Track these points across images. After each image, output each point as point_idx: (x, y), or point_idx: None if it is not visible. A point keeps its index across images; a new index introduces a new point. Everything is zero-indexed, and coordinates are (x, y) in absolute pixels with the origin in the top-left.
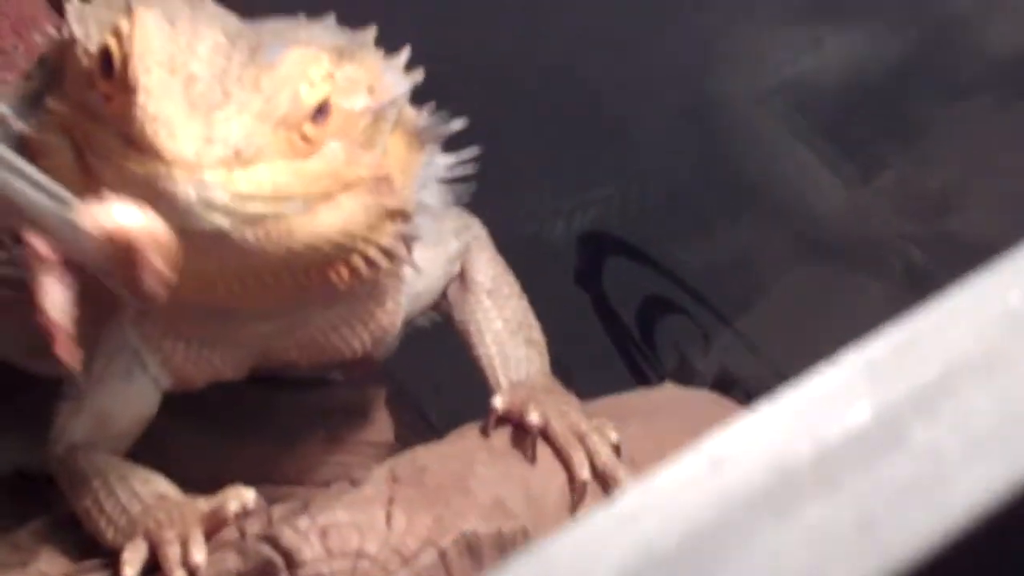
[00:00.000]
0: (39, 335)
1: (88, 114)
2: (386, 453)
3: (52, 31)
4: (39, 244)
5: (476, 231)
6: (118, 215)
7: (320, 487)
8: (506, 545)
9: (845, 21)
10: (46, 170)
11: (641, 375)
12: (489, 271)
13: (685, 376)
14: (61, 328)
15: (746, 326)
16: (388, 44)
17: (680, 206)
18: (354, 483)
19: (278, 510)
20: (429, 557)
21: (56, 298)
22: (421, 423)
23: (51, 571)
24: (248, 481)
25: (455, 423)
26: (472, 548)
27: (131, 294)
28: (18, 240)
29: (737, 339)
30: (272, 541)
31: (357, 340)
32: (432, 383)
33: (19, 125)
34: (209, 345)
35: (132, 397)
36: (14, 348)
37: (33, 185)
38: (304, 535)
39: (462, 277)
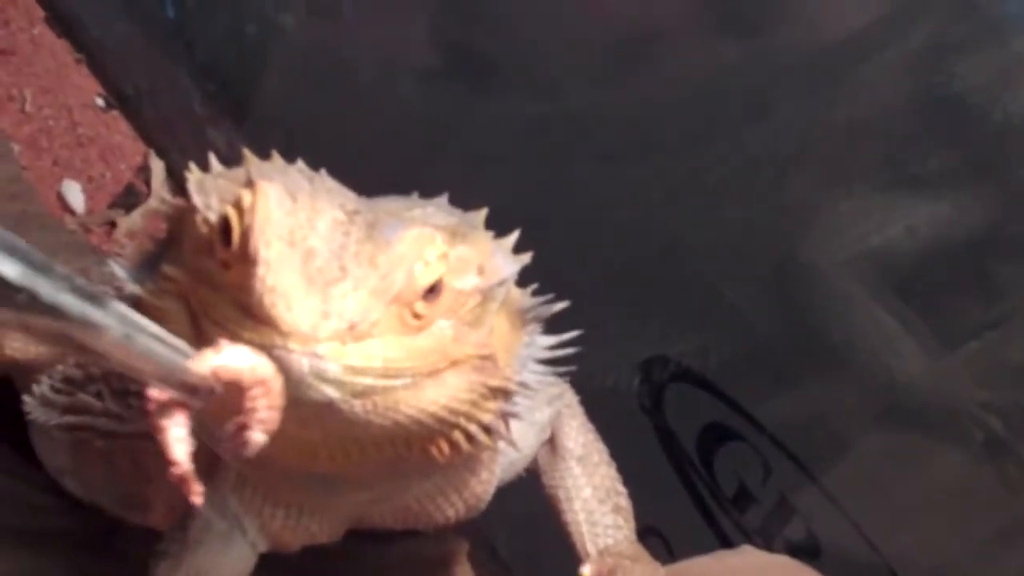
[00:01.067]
0: (130, 486)
1: (205, 281)
2: None
3: (169, 197)
4: (160, 393)
5: (568, 398)
6: (228, 356)
7: None
8: None
9: (930, 189)
10: None
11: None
12: (580, 438)
13: (750, 519)
14: (191, 478)
15: (829, 486)
16: (471, 202)
17: (762, 363)
18: None
19: None
20: None
21: (181, 445)
22: (502, 574)
23: None
24: None
25: (534, 572)
26: None
27: (236, 445)
28: (117, 394)
29: (820, 499)
30: None
31: (451, 509)
32: (511, 530)
33: (134, 288)
34: (307, 512)
35: (229, 560)
36: (108, 497)
37: (150, 337)
38: None
39: (552, 443)
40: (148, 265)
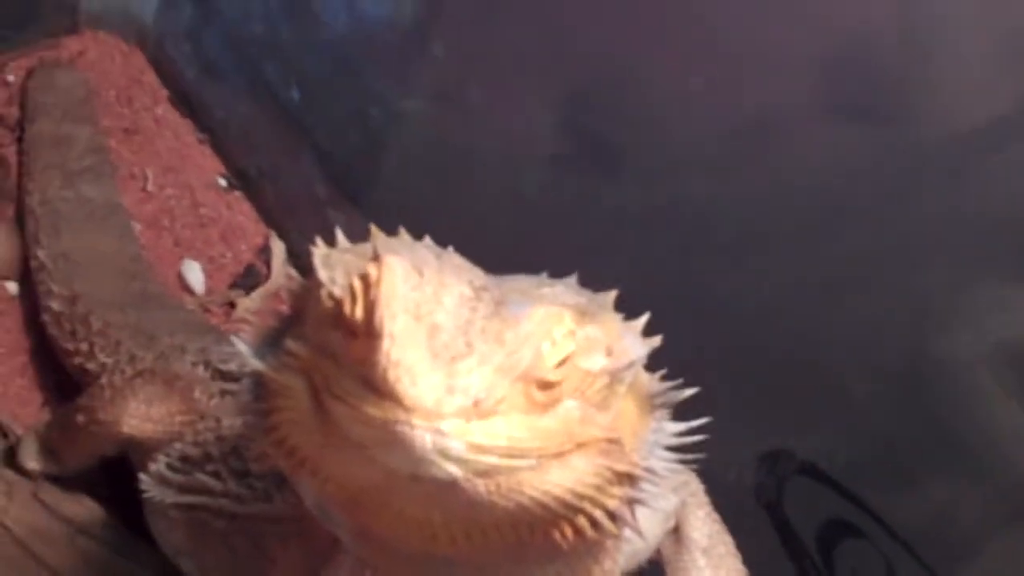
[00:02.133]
0: (250, 568)
1: (328, 356)
2: None
3: (295, 275)
4: None
5: (693, 487)
6: None
7: None
8: None
9: None
10: (284, 410)
11: None
12: (705, 529)
13: None
14: None
15: None
16: (594, 289)
17: (889, 461)
18: None
19: None
20: None
21: None
22: None
23: None
24: None
25: None
26: None
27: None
28: (237, 474)
29: None
30: None
31: None
32: None
33: (256, 364)
34: None
35: None
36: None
37: None
38: None
39: (677, 532)
40: (271, 342)
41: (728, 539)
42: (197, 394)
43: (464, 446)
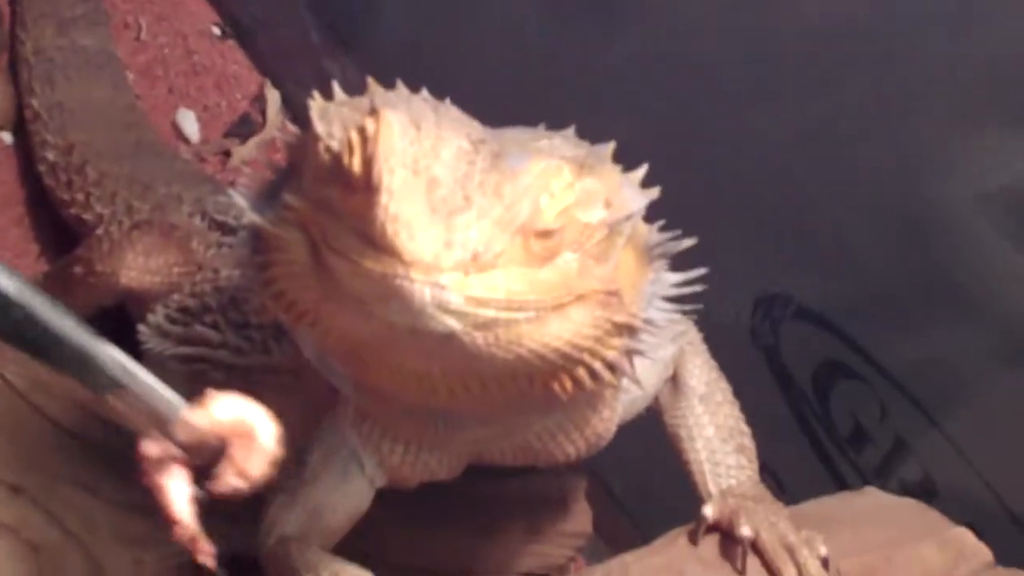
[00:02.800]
0: None
1: (326, 210)
2: (585, 544)
3: (291, 127)
4: (155, 448)
5: (691, 336)
6: (220, 409)
7: None
8: None
9: None
10: (282, 264)
11: (820, 448)
12: (703, 376)
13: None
14: (199, 536)
15: (949, 428)
16: (596, 138)
17: (885, 304)
18: None
19: None
20: None
21: (183, 502)
22: (618, 513)
23: None
24: (446, 571)
25: (649, 510)
26: None
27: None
28: (235, 326)
29: (940, 441)
30: None
31: (572, 447)
32: (625, 470)
33: (254, 217)
34: (427, 448)
35: (347, 495)
36: None
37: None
38: None
39: (674, 380)
40: (268, 195)
41: (725, 386)
42: (195, 245)
43: (462, 299)
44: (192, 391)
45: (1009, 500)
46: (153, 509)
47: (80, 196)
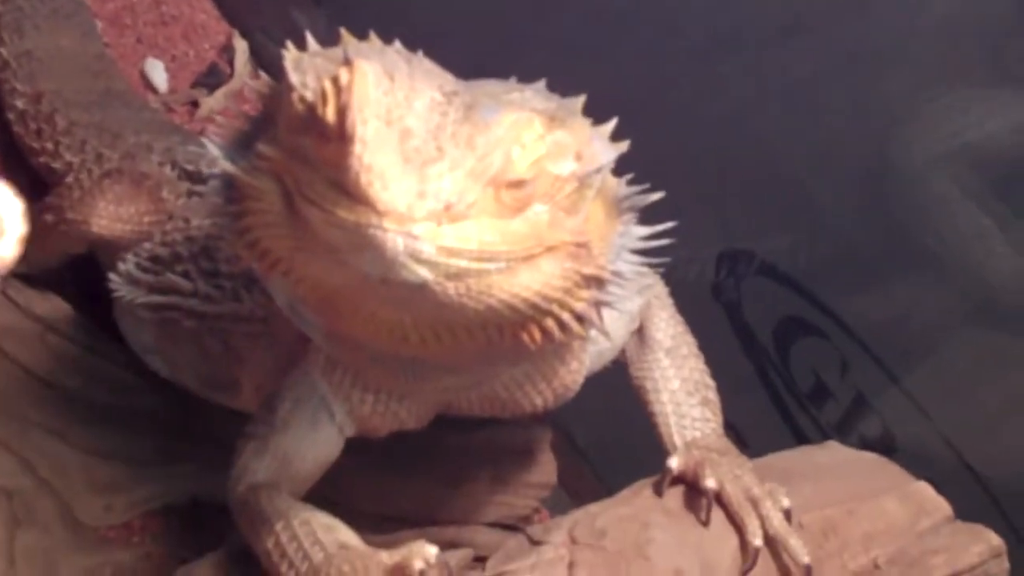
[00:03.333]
0: (218, 367)
1: (300, 159)
2: (549, 494)
3: (265, 77)
4: None
5: (657, 289)
6: None
7: (485, 528)
8: None
9: None
10: (256, 213)
11: (781, 403)
12: (669, 330)
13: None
14: None
15: (910, 385)
16: (563, 92)
17: (851, 261)
18: (532, 540)
19: (457, 557)
20: None
21: None
22: (580, 464)
23: None
24: (414, 519)
25: (611, 462)
26: None
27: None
28: (207, 274)
29: (900, 397)
30: None
31: (540, 397)
32: (587, 421)
33: (227, 166)
34: (396, 398)
35: (317, 443)
36: (194, 377)
37: None
38: None
39: (641, 333)
40: (241, 144)
41: (691, 340)
42: (165, 194)
43: (435, 249)
44: (163, 338)
45: (968, 456)
46: (124, 455)
47: (49, 144)
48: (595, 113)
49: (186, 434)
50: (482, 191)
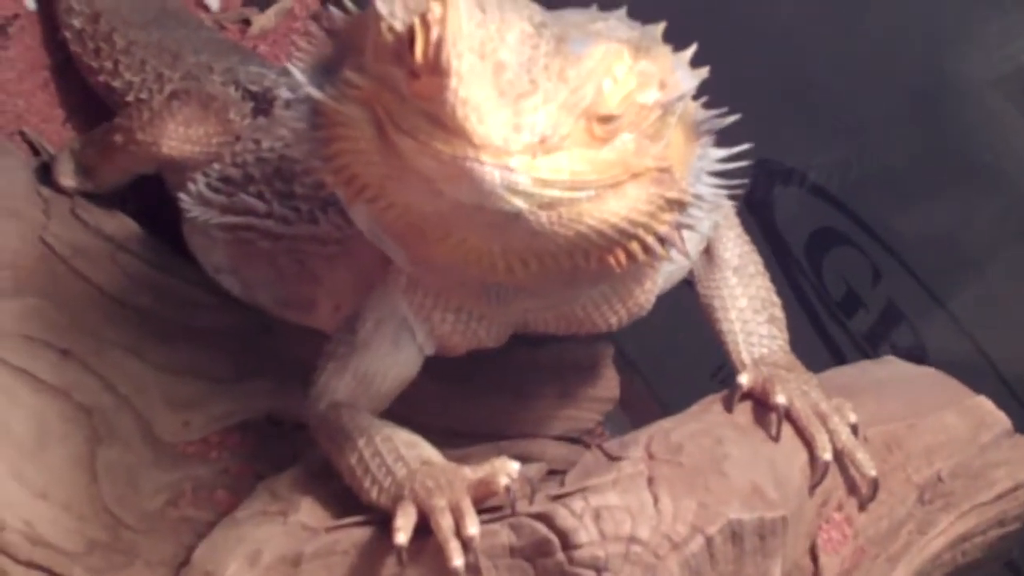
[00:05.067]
0: (294, 286)
1: (390, 89)
2: (613, 409)
3: (349, 4)
4: None
5: (725, 209)
6: None
7: (554, 442)
8: (766, 533)
9: None
10: (345, 139)
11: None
12: (736, 249)
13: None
14: None
15: (955, 304)
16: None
17: (902, 179)
18: (609, 456)
19: (534, 471)
20: (697, 544)
21: None
22: (632, 378)
23: (311, 522)
24: (483, 434)
25: (660, 375)
26: (736, 535)
27: None
28: (282, 196)
29: (944, 315)
30: (547, 520)
31: (615, 316)
32: (641, 338)
33: (316, 93)
34: (476, 318)
35: (397, 362)
36: (268, 296)
37: None
38: (579, 517)
39: (708, 253)
40: (325, 69)
41: (757, 258)
42: (232, 115)
43: (530, 181)
44: (237, 258)
45: (1003, 368)
46: (199, 373)
47: (108, 64)
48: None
49: (260, 352)
50: (574, 123)
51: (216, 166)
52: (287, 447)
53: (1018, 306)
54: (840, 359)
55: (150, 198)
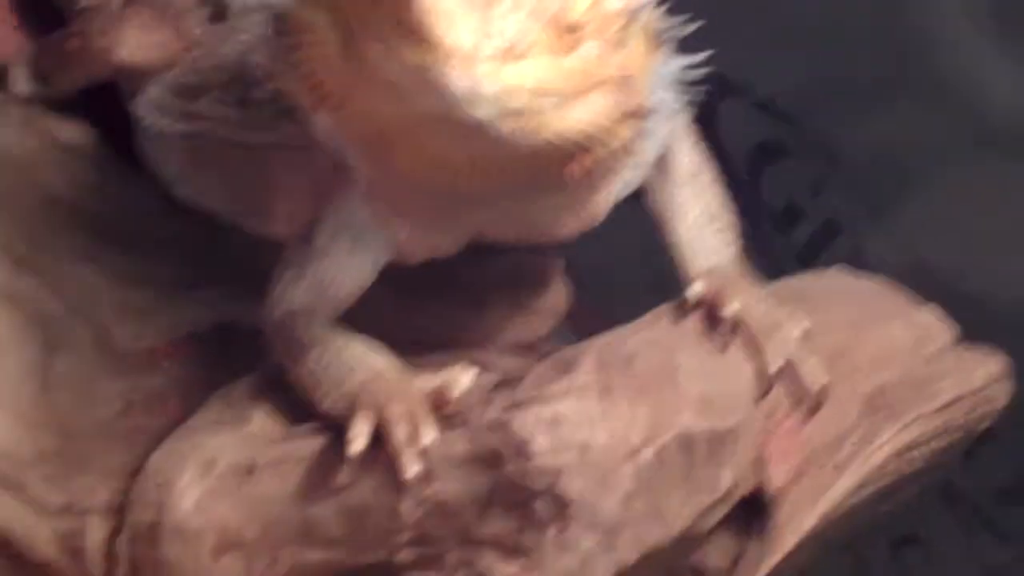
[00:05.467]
0: (251, 193)
1: None
2: (563, 318)
3: None
4: None
5: (681, 119)
6: None
7: (507, 351)
8: (716, 443)
9: None
10: (310, 46)
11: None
12: (690, 159)
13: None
14: None
15: (897, 218)
16: None
17: (844, 91)
18: (561, 366)
19: (487, 380)
20: (649, 453)
21: None
22: (581, 291)
23: (265, 431)
24: (435, 342)
25: (604, 285)
26: (687, 445)
27: None
28: (239, 102)
29: (885, 230)
30: (501, 430)
31: (570, 225)
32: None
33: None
34: (435, 226)
35: (354, 270)
36: (224, 203)
37: None
38: (533, 427)
39: (662, 162)
40: None
41: (711, 167)
42: (188, 22)
43: (497, 88)
44: (194, 164)
45: (945, 282)
46: (154, 281)
47: None
48: None
49: (215, 260)
50: (541, 31)
51: (172, 73)
52: (241, 356)
53: (960, 221)
54: (779, 271)
55: (106, 106)
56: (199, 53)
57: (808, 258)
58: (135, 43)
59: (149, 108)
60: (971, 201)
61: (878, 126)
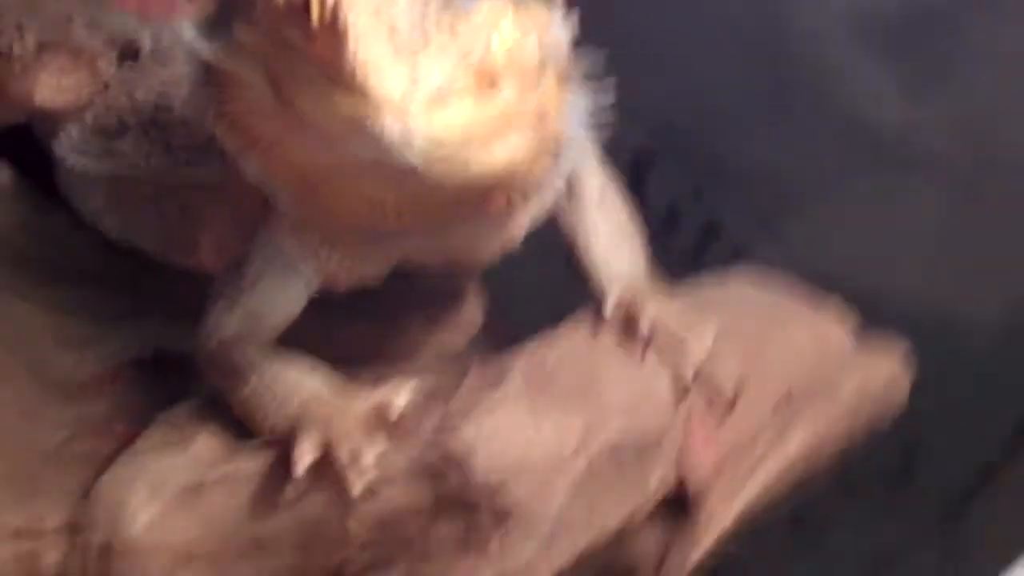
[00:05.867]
0: (177, 228)
1: (286, 48)
2: (478, 332)
3: None
4: None
5: (585, 144)
6: None
7: (432, 366)
8: (642, 449)
9: None
10: (238, 99)
11: None
12: (596, 182)
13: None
14: None
15: (781, 228)
16: None
17: (732, 116)
18: (488, 380)
19: (420, 395)
20: (582, 462)
21: None
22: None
23: (210, 451)
24: (361, 357)
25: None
26: (615, 452)
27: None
28: (158, 143)
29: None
30: (441, 446)
31: (488, 252)
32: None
33: (207, 52)
34: (360, 257)
35: (285, 298)
36: (150, 238)
37: None
38: (473, 440)
39: (570, 186)
40: (215, 27)
41: (616, 187)
42: (101, 65)
43: (429, 134)
44: (119, 201)
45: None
46: (89, 312)
47: None
48: None
49: (146, 292)
50: (466, 77)
51: (89, 115)
52: (183, 380)
53: (845, 230)
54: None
55: (24, 148)
56: (113, 95)
57: (692, 265)
58: (53, 86)
59: (71, 148)
60: (857, 211)
61: (767, 141)
